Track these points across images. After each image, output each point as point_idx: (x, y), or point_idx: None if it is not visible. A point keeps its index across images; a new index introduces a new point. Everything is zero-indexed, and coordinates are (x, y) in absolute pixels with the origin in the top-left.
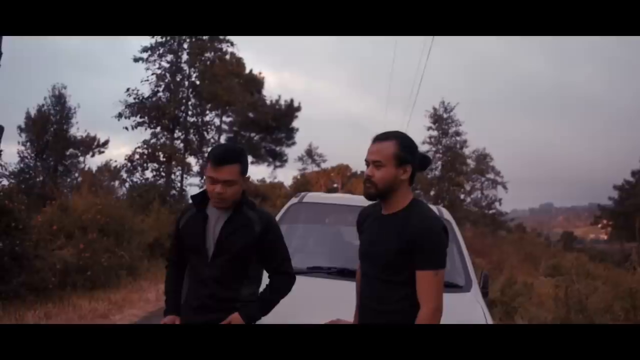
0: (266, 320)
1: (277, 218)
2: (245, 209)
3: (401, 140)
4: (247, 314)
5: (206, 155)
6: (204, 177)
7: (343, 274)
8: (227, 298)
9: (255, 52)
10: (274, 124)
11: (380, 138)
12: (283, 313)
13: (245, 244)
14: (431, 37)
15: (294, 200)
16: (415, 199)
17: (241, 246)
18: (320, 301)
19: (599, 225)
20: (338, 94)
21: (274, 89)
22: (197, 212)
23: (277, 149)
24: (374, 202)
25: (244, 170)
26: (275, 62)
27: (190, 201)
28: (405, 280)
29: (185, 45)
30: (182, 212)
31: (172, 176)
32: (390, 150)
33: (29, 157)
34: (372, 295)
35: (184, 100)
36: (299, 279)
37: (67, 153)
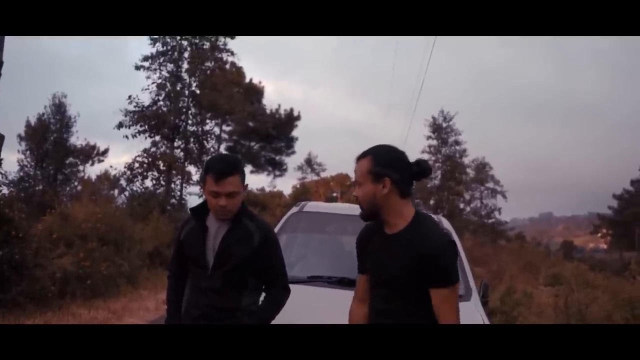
0: None
1: (278, 227)
2: (244, 219)
3: (375, 156)
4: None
5: (203, 168)
6: (203, 190)
7: (343, 283)
8: (228, 308)
9: (253, 61)
10: (274, 133)
11: (359, 157)
12: (283, 322)
13: (244, 255)
14: (433, 38)
15: (294, 209)
16: (418, 213)
17: (241, 257)
18: (321, 310)
19: (599, 235)
20: (338, 103)
21: (272, 97)
22: (197, 224)
23: (277, 158)
24: (370, 222)
25: (244, 179)
26: (274, 71)
27: (190, 213)
28: (418, 299)
29: (186, 55)
30: (182, 223)
31: (172, 185)
32: (364, 167)
33: (28, 165)
34: (387, 317)
35: (184, 109)
36: (300, 288)
37: (67, 162)
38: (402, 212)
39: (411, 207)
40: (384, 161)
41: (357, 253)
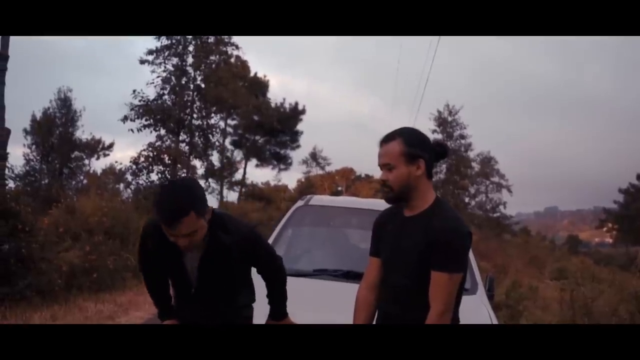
0: None
1: (283, 221)
2: (219, 234)
3: (406, 137)
4: (278, 315)
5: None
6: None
7: (349, 276)
8: (222, 312)
9: (257, 55)
10: (279, 127)
11: (386, 139)
12: (289, 314)
13: (227, 270)
14: (437, 38)
15: (300, 203)
16: (439, 198)
17: (225, 273)
18: (326, 303)
19: (604, 229)
20: (342, 96)
21: (277, 91)
22: (165, 241)
23: (282, 151)
24: (391, 206)
25: (201, 210)
26: (278, 65)
27: (147, 230)
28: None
29: (191, 48)
30: (144, 236)
31: None
32: (396, 149)
33: (34, 159)
34: (398, 304)
35: (189, 103)
36: (305, 281)
37: (73, 156)
38: (426, 195)
39: (433, 190)
40: (415, 142)
41: (373, 235)
